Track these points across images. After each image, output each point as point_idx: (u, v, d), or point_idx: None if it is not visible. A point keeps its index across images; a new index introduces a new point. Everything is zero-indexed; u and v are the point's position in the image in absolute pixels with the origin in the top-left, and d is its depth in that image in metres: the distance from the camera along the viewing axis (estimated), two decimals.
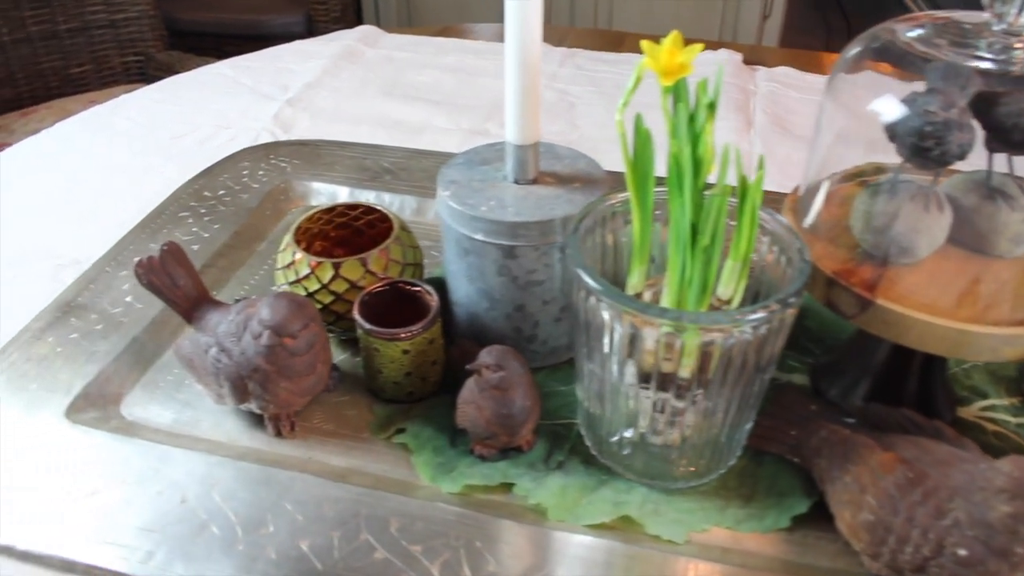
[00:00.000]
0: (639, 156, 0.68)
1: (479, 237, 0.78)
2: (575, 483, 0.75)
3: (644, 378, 0.69)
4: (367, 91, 1.48)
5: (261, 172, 1.19)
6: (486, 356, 0.73)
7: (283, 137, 1.33)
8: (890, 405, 0.76)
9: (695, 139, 0.65)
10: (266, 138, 1.32)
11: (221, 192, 1.15)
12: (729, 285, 0.70)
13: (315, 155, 1.23)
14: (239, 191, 1.15)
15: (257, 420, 0.82)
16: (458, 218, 0.79)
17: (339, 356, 0.90)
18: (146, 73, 2.30)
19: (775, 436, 0.78)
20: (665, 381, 0.68)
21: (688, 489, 0.75)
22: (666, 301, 0.68)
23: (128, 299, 0.96)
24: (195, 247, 1.04)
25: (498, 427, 0.74)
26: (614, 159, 0.85)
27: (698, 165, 0.65)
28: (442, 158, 1.20)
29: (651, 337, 0.65)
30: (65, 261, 1.06)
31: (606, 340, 0.68)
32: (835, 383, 0.84)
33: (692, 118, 0.66)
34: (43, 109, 2.07)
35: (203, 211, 1.11)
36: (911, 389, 0.81)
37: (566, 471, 0.77)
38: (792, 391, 0.83)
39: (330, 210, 0.93)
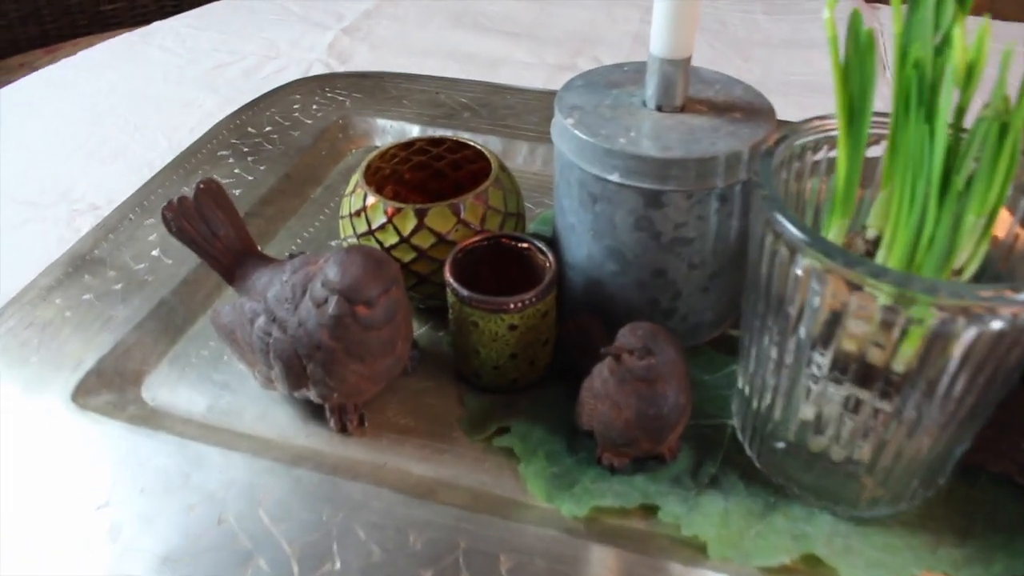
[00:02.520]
0: (857, 68, 0.49)
1: (614, 179, 0.59)
2: (738, 506, 0.57)
3: (845, 370, 0.50)
4: (433, 20, 1.28)
5: (315, 107, 1.01)
6: (629, 336, 0.54)
7: (339, 69, 1.14)
8: None
9: (946, 45, 0.46)
10: (320, 69, 1.14)
11: (268, 129, 0.97)
12: (965, 248, 0.51)
13: (379, 88, 1.04)
14: (289, 128, 0.97)
15: (316, 410, 0.64)
16: (586, 153, 0.60)
17: (416, 330, 0.71)
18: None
19: (1000, 450, 0.59)
20: (872, 375, 0.49)
21: (883, 519, 0.57)
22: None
23: (155, 253, 0.78)
24: (236, 192, 0.86)
25: (641, 431, 0.55)
26: None
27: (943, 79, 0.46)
28: (530, 95, 1.02)
29: (868, 315, 0.46)
30: (82, 206, 0.88)
31: (806, 316, 0.49)
32: None
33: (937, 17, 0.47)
34: (69, 46, 1.89)
35: (246, 150, 0.93)
36: None
37: (721, 489, 0.58)
38: (1019, 391, 0.63)
39: (408, 145, 0.75)
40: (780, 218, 0.47)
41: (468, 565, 0.52)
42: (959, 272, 0.51)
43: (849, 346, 0.49)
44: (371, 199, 0.66)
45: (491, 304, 0.59)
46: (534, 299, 0.60)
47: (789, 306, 0.50)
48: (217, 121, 0.99)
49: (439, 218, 0.65)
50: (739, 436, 0.61)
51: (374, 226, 0.66)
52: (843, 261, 0.44)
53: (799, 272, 0.47)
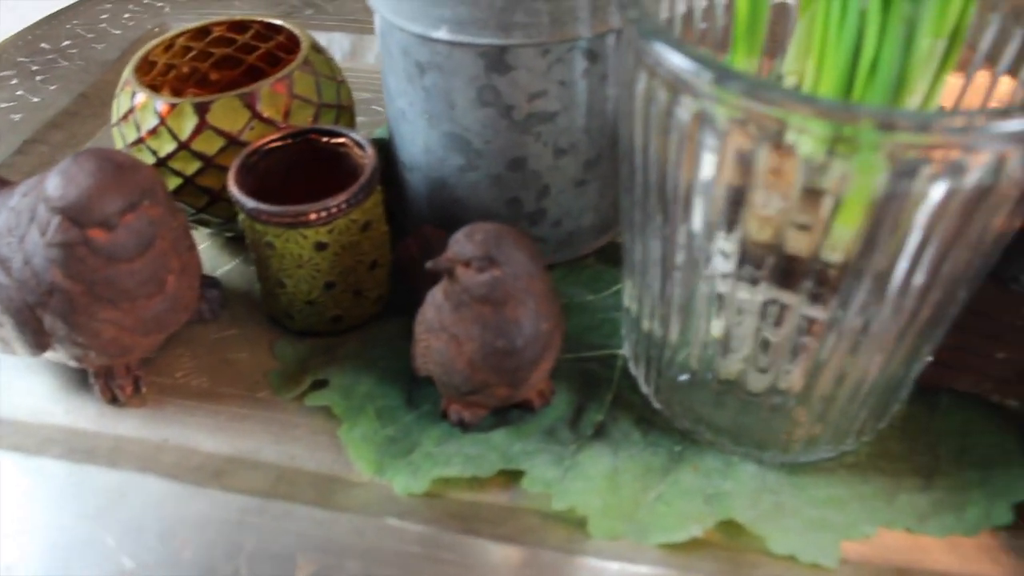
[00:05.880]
0: None
1: (442, 36, 0.43)
2: (631, 463, 0.42)
3: (760, 265, 0.36)
4: None
5: (127, 15, 0.83)
6: (465, 242, 0.39)
7: None
8: None
9: None
10: None
11: (66, 43, 0.80)
12: (918, 87, 0.36)
13: None
14: (93, 40, 0.80)
15: (83, 377, 0.49)
16: (405, 6, 0.44)
17: (225, 265, 0.56)
18: None
19: (967, 362, 0.45)
20: (797, 271, 0.35)
21: (823, 463, 0.43)
22: None
23: None
24: (15, 117, 0.69)
25: (491, 371, 0.40)
26: None
27: None
28: None
29: (786, 178, 0.32)
30: None
31: (699, 191, 0.34)
32: None
33: None
34: None
35: (36, 68, 0.76)
36: None
37: (610, 440, 0.44)
38: (986, 286, 0.50)
39: (202, 34, 0.58)
40: (658, 45, 0.32)
41: (252, 574, 0.37)
42: None
43: (761, 232, 0.34)
44: (140, 96, 0.50)
45: (286, 216, 0.44)
46: (345, 205, 0.44)
47: (675, 179, 0.35)
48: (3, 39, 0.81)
49: (227, 113, 0.49)
50: (632, 368, 0.47)
51: (144, 131, 0.50)
52: (744, 88, 0.29)
53: (684, 120, 0.32)
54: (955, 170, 0.29)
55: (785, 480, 0.42)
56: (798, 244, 0.34)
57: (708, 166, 0.33)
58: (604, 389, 0.46)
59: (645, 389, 0.45)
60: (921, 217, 0.31)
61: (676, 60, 0.31)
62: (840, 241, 0.33)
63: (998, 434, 0.43)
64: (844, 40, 0.33)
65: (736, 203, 0.34)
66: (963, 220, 0.32)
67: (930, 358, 0.41)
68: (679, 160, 0.34)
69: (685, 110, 0.32)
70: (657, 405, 0.44)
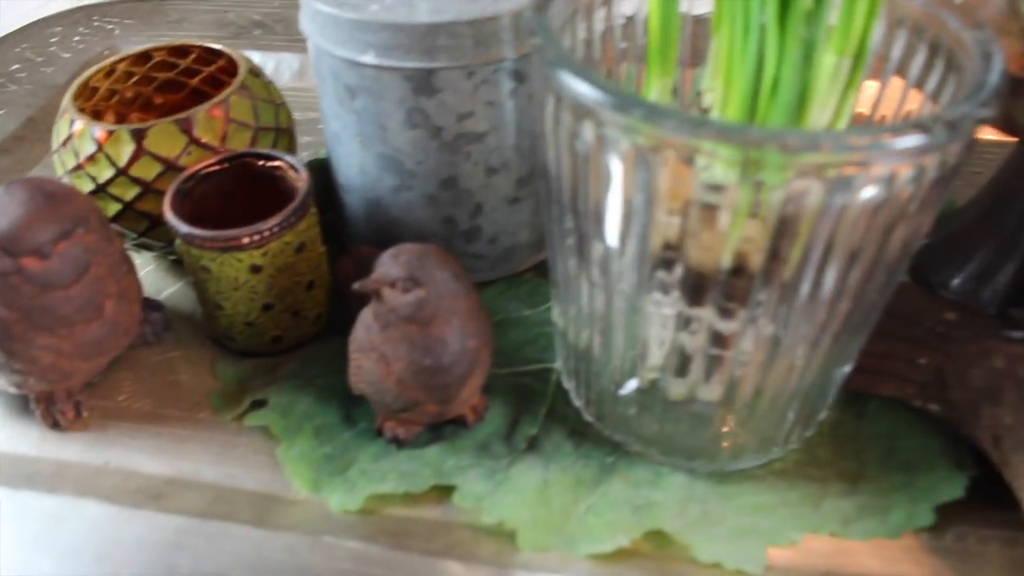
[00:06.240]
0: None
1: (369, 60, 0.44)
2: (562, 475, 0.43)
3: (669, 270, 0.37)
4: None
5: (77, 38, 0.84)
6: (389, 263, 0.40)
7: None
8: None
9: None
10: None
11: (15, 67, 0.80)
12: (826, 103, 0.37)
13: (157, 12, 0.88)
14: (41, 64, 0.80)
15: (22, 404, 0.49)
16: (332, 32, 0.45)
17: (169, 288, 0.56)
18: None
19: (891, 368, 0.46)
20: (704, 285, 0.36)
21: (752, 471, 0.44)
22: None
23: None
24: None
25: (420, 389, 0.41)
26: None
27: None
28: None
29: (683, 195, 0.33)
30: None
31: (610, 207, 0.35)
32: (957, 270, 0.52)
33: None
34: None
35: None
36: None
37: (542, 454, 0.45)
38: (913, 292, 0.51)
39: (142, 59, 0.59)
40: (561, 72, 0.33)
41: None
42: None
43: (667, 247, 0.35)
44: (78, 123, 0.51)
45: (219, 240, 0.44)
46: (278, 228, 0.45)
47: (584, 198, 0.36)
48: None
49: (164, 139, 0.50)
50: (565, 382, 0.47)
51: (82, 157, 0.51)
52: (644, 115, 0.30)
53: (588, 142, 0.33)
54: (847, 185, 0.30)
55: (713, 489, 0.43)
56: (701, 258, 0.35)
57: (614, 186, 0.34)
58: (538, 403, 0.47)
59: (577, 402, 0.46)
60: (821, 230, 0.32)
61: (578, 87, 0.32)
62: (740, 254, 0.34)
63: (922, 438, 0.45)
64: (747, 59, 0.34)
65: (641, 221, 0.35)
66: (864, 232, 0.33)
67: (851, 366, 0.42)
68: (586, 179, 0.35)
69: (588, 133, 0.33)
70: (589, 418, 0.45)
